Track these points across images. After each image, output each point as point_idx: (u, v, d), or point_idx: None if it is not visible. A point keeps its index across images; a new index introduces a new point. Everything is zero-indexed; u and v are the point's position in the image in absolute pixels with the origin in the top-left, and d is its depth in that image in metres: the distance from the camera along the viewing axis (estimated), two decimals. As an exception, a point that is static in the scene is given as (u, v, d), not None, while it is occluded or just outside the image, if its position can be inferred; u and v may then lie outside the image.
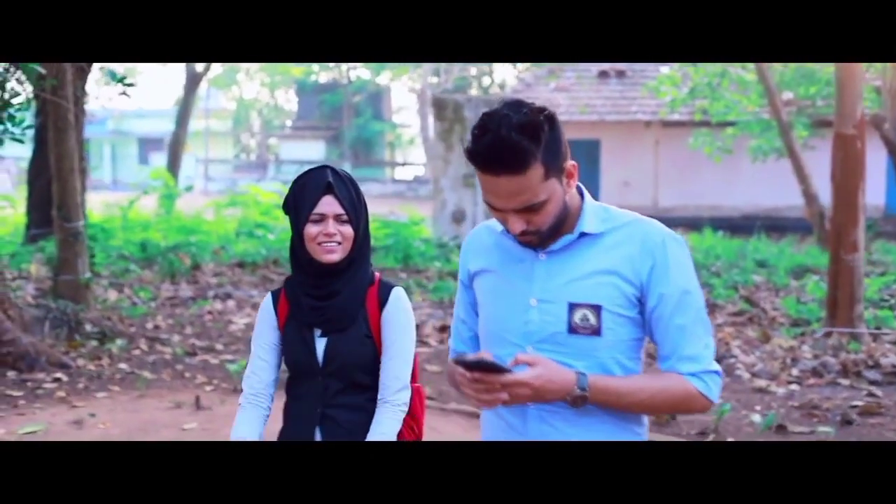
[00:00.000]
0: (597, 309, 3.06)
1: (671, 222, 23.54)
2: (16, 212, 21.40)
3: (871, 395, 9.81)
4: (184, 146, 29.62)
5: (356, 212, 3.71)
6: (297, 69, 53.28)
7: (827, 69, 24.77)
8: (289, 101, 63.77)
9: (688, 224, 27.95)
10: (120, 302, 13.48)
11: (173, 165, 27.74)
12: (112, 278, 14.89)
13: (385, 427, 3.68)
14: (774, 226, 28.68)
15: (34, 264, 15.25)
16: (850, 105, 12.11)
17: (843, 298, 12.12)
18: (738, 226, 28.55)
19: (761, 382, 10.30)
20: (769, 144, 26.64)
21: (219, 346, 11.54)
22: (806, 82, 25.71)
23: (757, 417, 8.96)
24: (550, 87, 31.36)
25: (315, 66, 54.90)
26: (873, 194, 28.78)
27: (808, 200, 23.47)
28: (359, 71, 53.68)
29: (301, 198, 3.70)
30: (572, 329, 3.07)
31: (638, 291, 3.09)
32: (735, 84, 26.33)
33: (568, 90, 31.41)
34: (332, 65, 54.39)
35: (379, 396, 3.72)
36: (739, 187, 30.15)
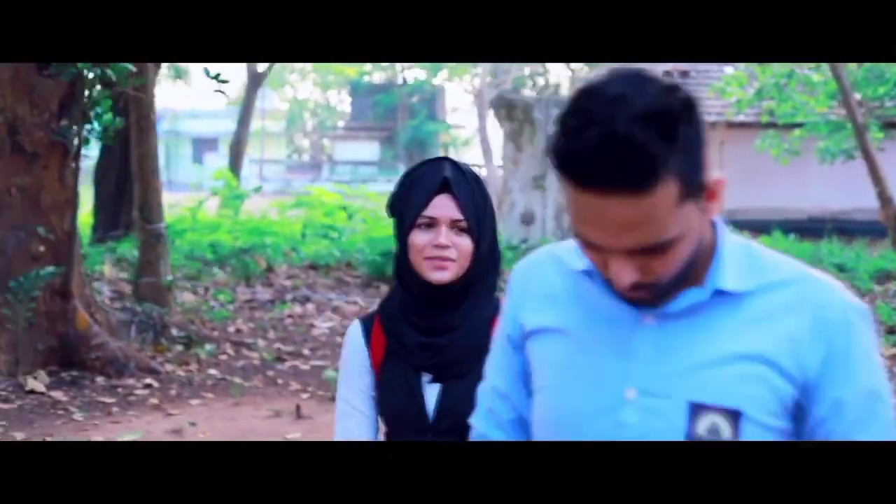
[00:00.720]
0: (734, 416, 1.91)
1: (737, 225, 23.27)
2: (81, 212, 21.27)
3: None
4: (245, 146, 29.48)
5: (478, 218, 2.88)
6: (350, 69, 53.12)
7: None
8: (342, 101, 63.68)
9: (754, 227, 27.50)
10: (200, 305, 13.25)
11: (235, 166, 27.55)
12: (185, 281, 14.67)
13: None
14: (843, 229, 28.19)
15: (107, 266, 15.05)
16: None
17: None
18: (805, 228, 28.08)
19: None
20: (837, 146, 26.17)
21: (305, 352, 11.30)
22: (875, 83, 25.24)
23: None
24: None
25: (368, 67, 54.80)
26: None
27: (883, 203, 22.99)
28: (413, 71, 53.50)
29: (409, 197, 2.91)
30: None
31: (798, 392, 1.94)
32: (802, 85, 25.90)
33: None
34: (385, 65, 54.29)
35: None
36: (806, 190, 29.63)
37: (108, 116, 10.09)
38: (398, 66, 53.52)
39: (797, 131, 26.47)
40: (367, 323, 3.05)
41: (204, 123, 57.45)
